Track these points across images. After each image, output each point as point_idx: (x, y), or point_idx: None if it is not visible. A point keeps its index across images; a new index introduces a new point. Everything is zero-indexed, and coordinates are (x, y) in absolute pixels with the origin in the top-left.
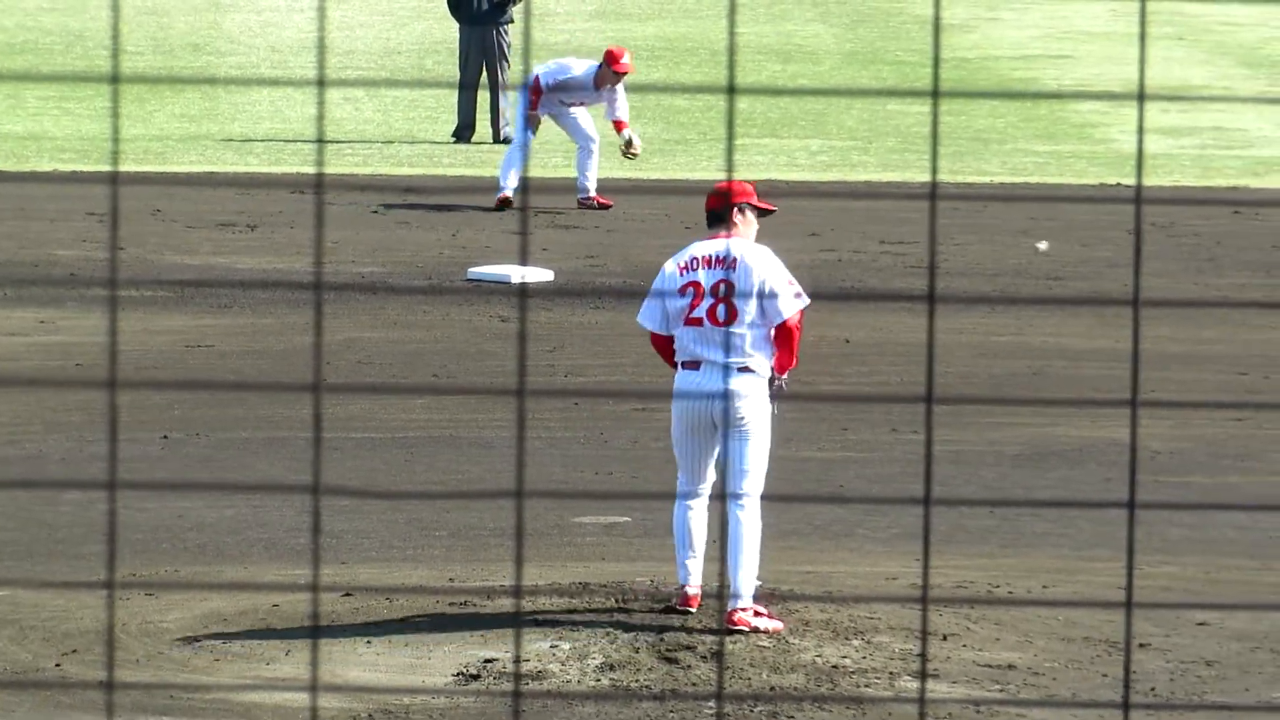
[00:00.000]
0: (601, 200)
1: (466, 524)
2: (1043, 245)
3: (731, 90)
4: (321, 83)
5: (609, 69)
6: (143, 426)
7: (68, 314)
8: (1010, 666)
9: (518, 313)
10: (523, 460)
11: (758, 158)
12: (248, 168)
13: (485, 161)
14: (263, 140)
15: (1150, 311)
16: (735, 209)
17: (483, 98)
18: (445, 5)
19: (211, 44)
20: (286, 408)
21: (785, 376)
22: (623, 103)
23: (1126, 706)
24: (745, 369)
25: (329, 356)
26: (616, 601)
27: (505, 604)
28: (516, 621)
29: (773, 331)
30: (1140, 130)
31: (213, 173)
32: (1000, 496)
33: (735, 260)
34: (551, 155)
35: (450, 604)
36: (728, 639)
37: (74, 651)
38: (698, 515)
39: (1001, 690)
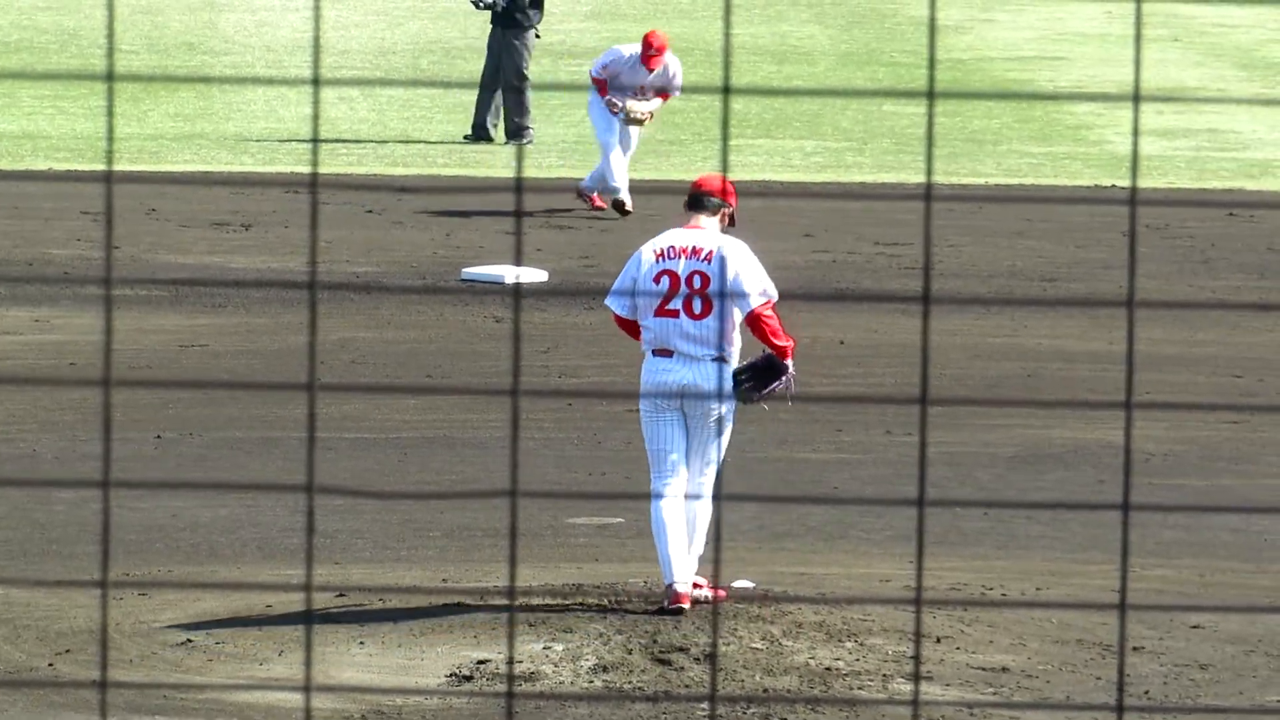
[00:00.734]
0: (598, 202)
1: (460, 525)
2: None
3: (726, 90)
4: (316, 82)
5: (646, 53)
6: (136, 426)
7: (62, 313)
8: (1004, 669)
9: (512, 313)
10: (516, 461)
11: (752, 158)
12: (242, 167)
13: (484, 162)
14: (257, 140)
15: (1145, 313)
16: (724, 207)
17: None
18: (474, 6)
19: (206, 43)
20: (280, 407)
21: (791, 366)
22: (679, 80)
23: (1121, 709)
24: (718, 359)
25: (323, 356)
26: (610, 603)
27: (498, 605)
28: (510, 622)
29: (742, 323)
30: (1135, 132)
31: (207, 172)
32: (994, 498)
33: (712, 253)
34: (545, 155)
35: (443, 605)
36: (721, 641)
37: (67, 651)
38: (674, 512)
39: (995, 693)
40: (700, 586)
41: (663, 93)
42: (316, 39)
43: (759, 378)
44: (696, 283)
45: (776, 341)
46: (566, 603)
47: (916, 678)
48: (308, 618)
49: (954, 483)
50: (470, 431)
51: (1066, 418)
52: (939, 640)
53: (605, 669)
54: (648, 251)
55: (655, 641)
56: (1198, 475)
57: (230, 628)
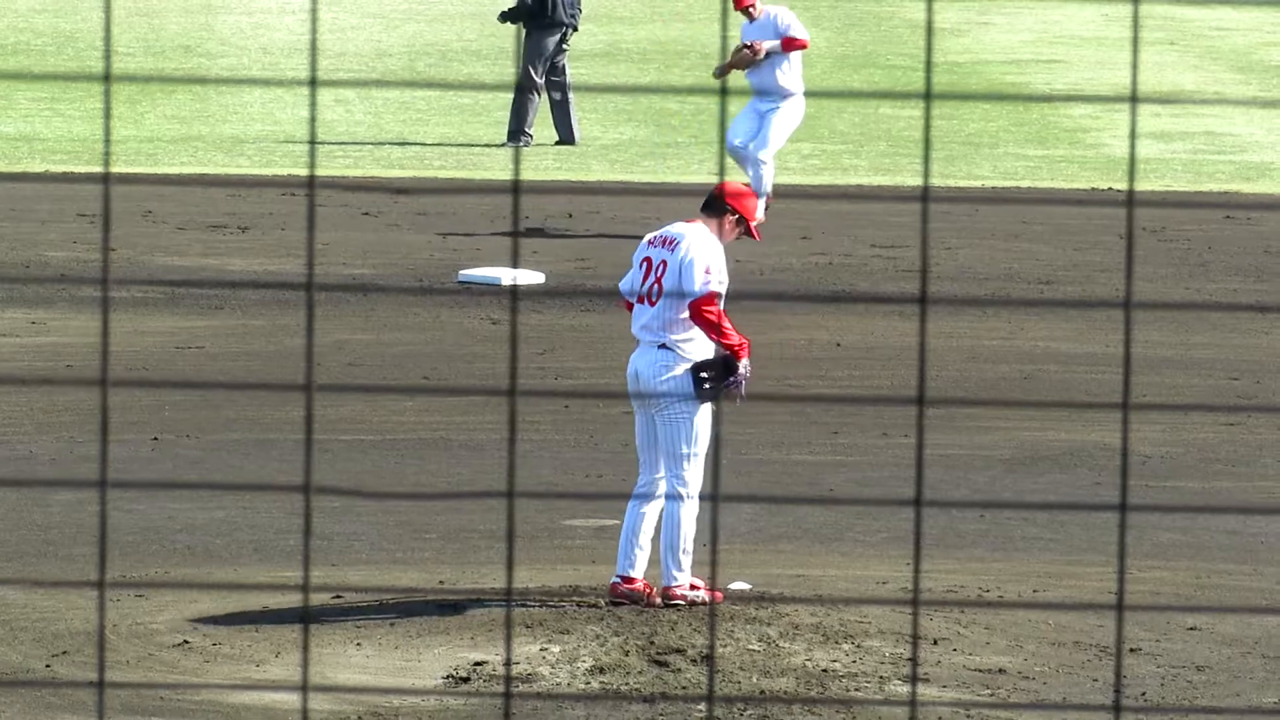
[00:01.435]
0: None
1: (457, 526)
2: None
3: (724, 93)
4: (313, 83)
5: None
6: (133, 428)
7: (58, 315)
8: (1001, 670)
9: (509, 315)
10: (513, 462)
11: None
12: (239, 169)
13: (481, 165)
14: (254, 142)
15: (1141, 316)
16: (728, 210)
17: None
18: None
19: (203, 46)
20: (276, 409)
21: (744, 367)
22: (792, 29)
23: (1118, 709)
24: (663, 346)
25: (319, 358)
26: (606, 604)
27: (495, 606)
28: (507, 624)
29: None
30: (1133, 134)
31: (204, 174)
32: (991, 500)
33: (675, 241)
34: (542, 159)
35: (440, 606)
36: (717, 643)
37: (64, 652)
38: (636, 508)
39: (992, 694)
40: (698, 588)
41: (787, 42)
42: (313, 41)
43: (717, 376)
44: (658, 270)
45: (718, 338)
46: (563, 604)
47: (913, 679)
48: (304, 619)
49: (951, 485)
50: (467, 433)
51: (1063, 420)
52: (936, 642)
53: (602, 670)
54: (643, 240)
55: (652, 643)
56: (1194, 477)
57: (227, 629)
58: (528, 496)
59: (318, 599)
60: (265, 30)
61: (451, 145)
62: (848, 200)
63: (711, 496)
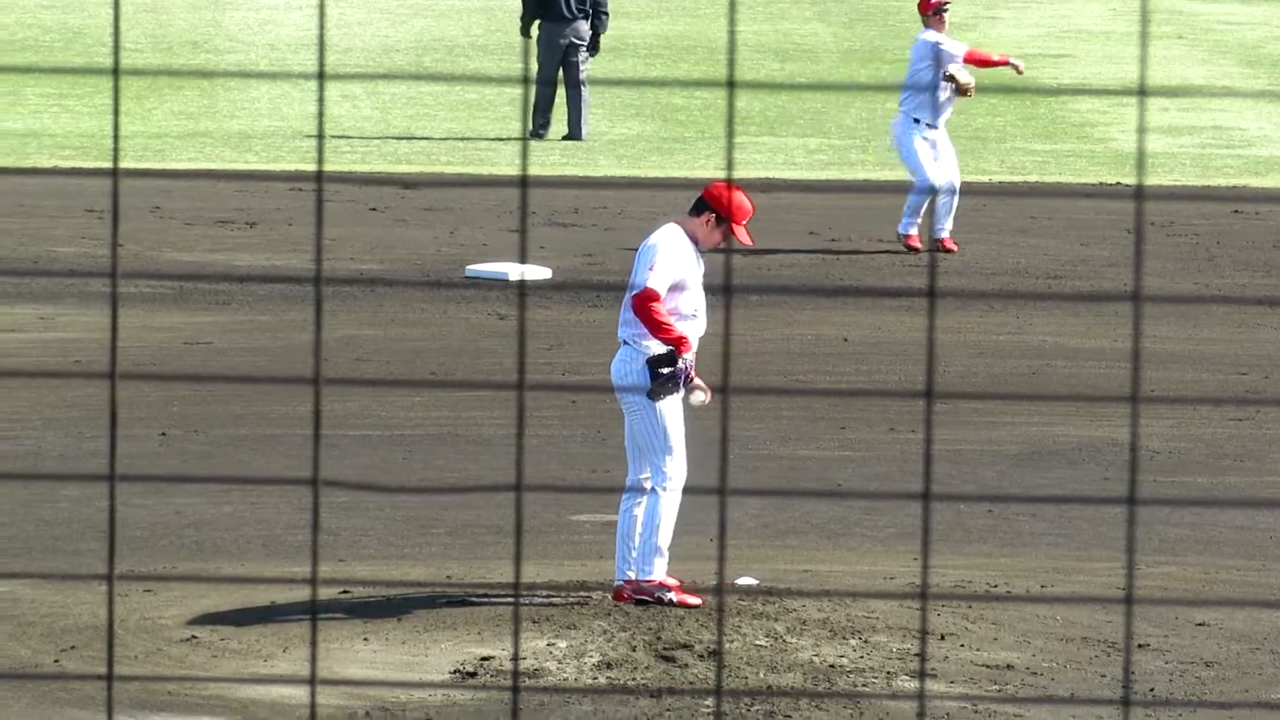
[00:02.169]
0: (948, 244)
1: (464, 521)
2: None
3: (731, 85)
4: (321, 78)
5: (926, 16)
6: (141, 423)
7: (67, 310)
8: (1008, 666)
9: (516, 310)
10: (521, 457)
11: (756, 156)
12: (246, 165)
13: (488, 160)
14: (261, 137)
15: (1150, 310)
16: (705, 209)
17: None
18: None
19: (211, 41)
20: (284, 404)
21: (682, 362)
22: (951, 47)
23: (1126, 704)
24: (625, 342)
25: (327, 353)
26: (614, 599)
27: (503, 601)
28: (514, 619)
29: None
30: (1141, 128)
31: (211, 169)
32: (999, 495)
33: (645, 239)
34: (549, 153)
35: (448, 601)
36: (725, 638)
37: (73, 647)
38: (638, 514)
39: (999, 690)
40: (669, 588)
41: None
42: (321, 36)
43: (666, 371)
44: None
45: (655, 333)
46: (571, 599)
47: (921, 675)
48: (312, 614)
49: (959, 480)
50: (474, 428)
51: (1071, 414)
52: (943, 637)
53: (609, 665)
54: None
55: (659, 638)
56: (1203, 472)
57: (235, 624)
58: (535, 491)
59: (326, 594)
60: (273, 26)
61: (459, 140)
62: (855, 195)
63: (719, 491)
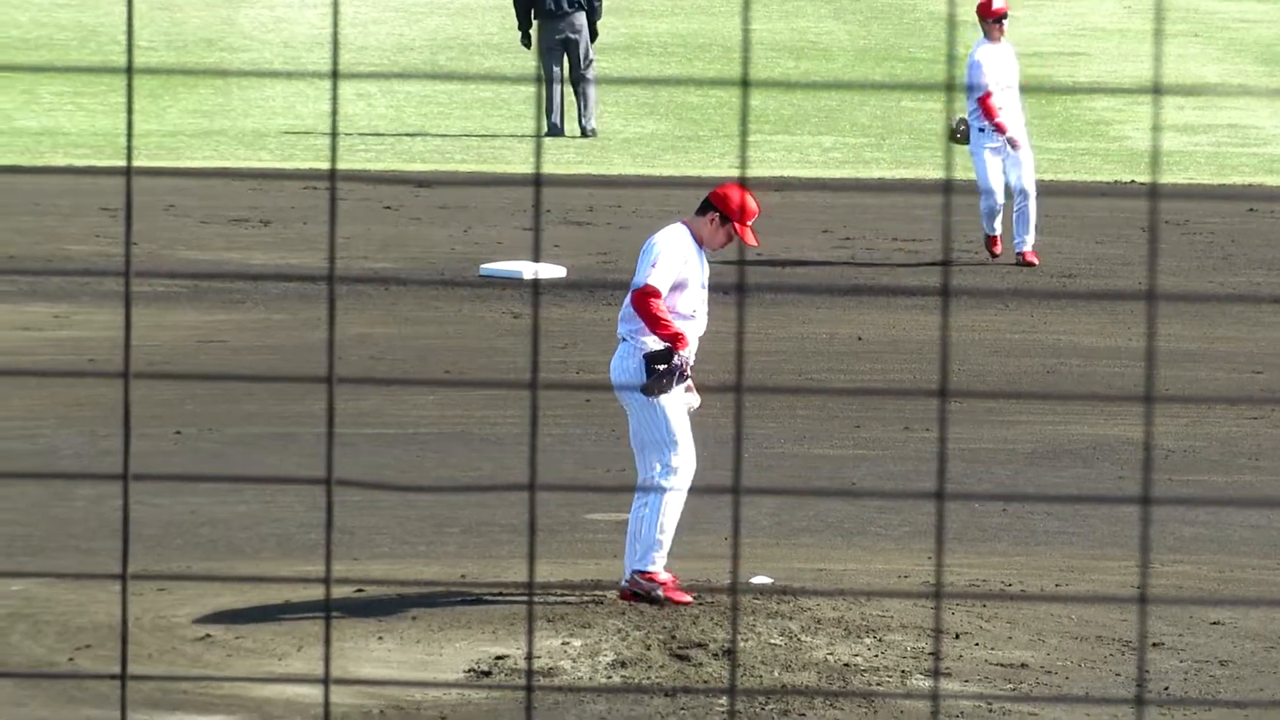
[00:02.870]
0: (1029, 257)
1: (478, 520)
2: None
3: (745, 83)
4: (335, 76)
5: (985, 22)
6: (155, 422)
7: (81, 308)
8: (1023, 665)
9: (530, 309)
10: (535, 456)
11: (770, 154)
12: (260, 163)
13: (502, 158)
14: (275, 135)
15: (1164, 309)
16: (710, 209)
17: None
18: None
19: (225, 39)
20: (298, 403)
21: (678, 359)
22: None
23: (1140, 703)
24: (623, 339)
25: (341, 352)
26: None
27: (517, 600)
28: (528, 618)
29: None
30: (1156, 127)
31: (226, 168)
32: (1013, 494)
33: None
34: (564, 151)
35: (462, 600)
36: (739, 637)
37: (87, 646)
38: (641, 510)
39: (1014, 688)
40: (662, 583)
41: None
42: (335, 35)
43: (663, 367)
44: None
45: (654, 329)
46: (585, 598)
47: (935, 673)
48: (326, 613)
49: (973, 479)
50: (489, 427)
51: (1085, 413)
52: (958, 636)
53: (624, 664)
54: None
55: (674, 637)
56: (1217, 471)
57: (249, 622)
58: (549, 490)
59: (340, 593)
60: (287, 24)
61: (473, 138)
62: (870, 190)
63: (733, 490)
